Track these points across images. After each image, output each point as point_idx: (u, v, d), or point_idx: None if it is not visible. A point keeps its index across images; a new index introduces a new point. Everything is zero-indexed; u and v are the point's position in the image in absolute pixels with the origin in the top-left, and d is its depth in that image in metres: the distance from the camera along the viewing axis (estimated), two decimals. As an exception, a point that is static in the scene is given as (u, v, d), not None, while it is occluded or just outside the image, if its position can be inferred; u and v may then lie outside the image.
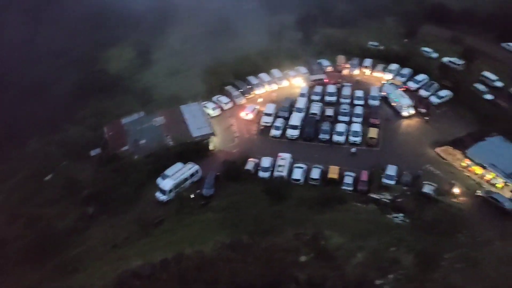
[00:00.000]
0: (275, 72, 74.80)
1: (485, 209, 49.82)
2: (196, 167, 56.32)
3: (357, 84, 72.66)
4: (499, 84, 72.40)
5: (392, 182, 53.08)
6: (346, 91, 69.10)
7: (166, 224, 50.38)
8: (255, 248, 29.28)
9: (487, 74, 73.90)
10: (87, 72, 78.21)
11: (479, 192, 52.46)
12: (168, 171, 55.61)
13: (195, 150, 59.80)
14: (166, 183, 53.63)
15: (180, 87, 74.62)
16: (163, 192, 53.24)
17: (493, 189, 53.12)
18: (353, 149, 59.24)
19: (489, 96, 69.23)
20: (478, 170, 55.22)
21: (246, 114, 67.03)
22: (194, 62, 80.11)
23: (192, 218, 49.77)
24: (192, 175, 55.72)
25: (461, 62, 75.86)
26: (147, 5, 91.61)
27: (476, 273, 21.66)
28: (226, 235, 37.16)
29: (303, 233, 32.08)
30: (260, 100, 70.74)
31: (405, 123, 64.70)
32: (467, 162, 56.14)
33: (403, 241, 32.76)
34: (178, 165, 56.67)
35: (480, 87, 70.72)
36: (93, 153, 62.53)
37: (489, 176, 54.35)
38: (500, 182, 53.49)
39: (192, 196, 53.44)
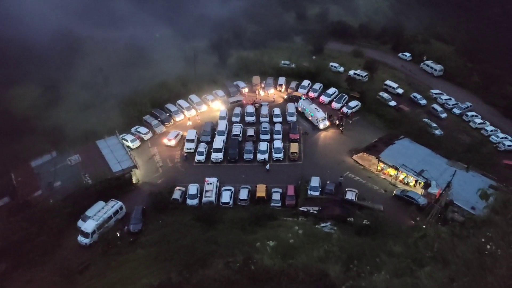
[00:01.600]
0: (194, 97, 74.61)
1: (402, 207, 53.64)
2: (119, 203, 53.64)
3: (274, 102, 75.23)
4: (400, 90, 79.63)
5: (317, 193, 55.16)
6: (264, 110, 71.02)
7: (93, 269, 46.96)
8: (185, 285, 28.24)
9: (389, 82, 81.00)
10: (-14, 115, 71.21)
11: (395, 192, 56.47)
12: (89, 212, 52.36)
13: (117, 185, 57.18)
14: (87, 225, 50.27)
15: (95, 121, 70.85)
16: (86, 235, 49.75)
17: (407, 188, 57.56)
18: (267, 166, 60.76)
19: (392, 103, 75.65)
20: (392, 171, 59.58)
21: (169, 140, 65.75)
22: (108, 94, 76.82)
23: (121, 258, 46.98)
24: (116, 212, 52.90)
25: (365, 73, 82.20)
26: (49, 38, 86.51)
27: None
28: (157, 273, 35.47)
29: (233, 261, 31.74)
30: (189, 123, 70.18)
31: (322, 135, 68.00)
32: (381, 165, 60.32)
33: (330, 252, 34.12)
34: (100, 204, 53.62)
35: (384, 95, 77.13)
36: None
37: (402, 176, 58.86)
38: (412, 181, 58.14)
39: (118, 234, 50.59)
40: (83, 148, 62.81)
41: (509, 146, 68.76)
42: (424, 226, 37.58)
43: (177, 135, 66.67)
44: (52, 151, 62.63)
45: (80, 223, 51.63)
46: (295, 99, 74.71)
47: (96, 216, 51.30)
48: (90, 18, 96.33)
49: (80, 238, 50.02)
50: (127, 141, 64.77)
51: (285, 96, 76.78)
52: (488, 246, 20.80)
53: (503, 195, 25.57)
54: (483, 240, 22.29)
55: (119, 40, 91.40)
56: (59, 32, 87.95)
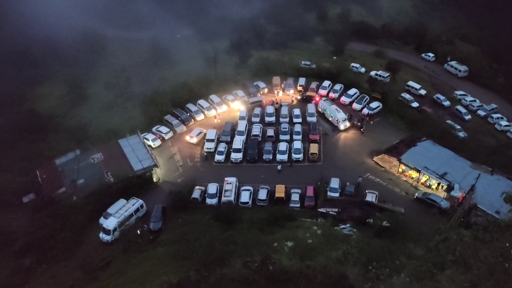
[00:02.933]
0: (214, 97, 75.11)
1: (424, 210, 52.65)
2: (140, 201, 54.41)
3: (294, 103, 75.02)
4: (422, 92, 78.23)
5: (337, 194, 54.68)
6: (284, 110, 70.86)
7: (114, 265, 47.83)
8: (203, 284, 28.39)
9: (411, 83, 79.66)
10: (13, 113, 73.30)
11: (416, 195, 55.48)
12: (111, 209, 53.23)
13: (138, 184, 57.96)
14: (109, 222, 51.14)
15: (117, 120, 72.35)
16: (107, 232, 50.63)
17: (429, 191, 56.47)
18: (279, 166, 60.53)
19: (415, 104, 74.34)
20: (414, 174, 58.55)
21: (191, 138, 66.46)
22: (130, 94, 78.31)
23: (141, 256, 47.68)
24: (136, 210, 53.69)
25: (386, 74, 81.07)
26: (74, 38, 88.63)
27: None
28: (176, 271, 35.82)
29: (251, 261, 31.73)
30: (216, 120, 70.75)
31: (342, 136, 67.36)
32: (402, 167, 59.36)
33: (349, 254, 33.71)
34: (121, 201, 54.48)
35: (407, 96, 75.88)
36: (25, 199, 58.07)
37: (423, 179, 57.79)
38: (434, 183, 57.02)
39: (139, 232, 51.35)
40: (105, 146, 63.96)
41: (536, 149, 66.68)
42: (446, 229, 36.76)
43: (200, 133, 67.28)
44: (75, 150, 64.07)
45: (102, 220, 52.57)
46: (309, 99, 74.23)
47: (118, 214, 52.13)
48: (113, 19, 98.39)
49: (101, 235, 50.95)
50: (148, 140, 65.65)
51: (298, 97, 76.22)
52: None
53: None
54: (507, 244, 21.72)
55: (141, 40, 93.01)
56: (83, 32, 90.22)
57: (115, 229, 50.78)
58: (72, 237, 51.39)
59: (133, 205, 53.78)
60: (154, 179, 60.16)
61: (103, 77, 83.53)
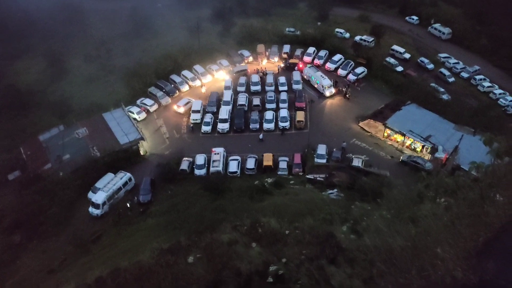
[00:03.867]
0: (198, 67, 73.96)
1: (409, 172, 53.72)
2: (128, 175, 54.35)
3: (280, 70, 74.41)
4: (407, 55, 78.21)
5: (324, 161, 55.36)
6: (270, 79, 70.36)
7: (105, 238, 48.19)
8: (194, 248, 29.06)
9: (396, 47, 79.43)
10: (-8, 90, 71.43)
11: (401, 158, 56.48)
12: (99, 184, 53.12)
13: (125, 157, 57.73)
14: (98, 196, 51.15)
15: (100, 94, 70.90)
16: (96, 206, 50.73)
17: (414, 154, 57.51)
18: (261, 135, 60.70)
19: (399, 68, 74.47)
20: (399, 137, 59.39)
21: (178, 107, 66.24)
22: (112, 67, 76.44)
23: (132, 228, 48.04)
24: (125, 184, 53.68)
25: (371, 39, 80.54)
26: (51, 10, 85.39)
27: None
28: (167, 239, 36.46)
29: (240, 225, 32.46)
30: (204, 90, 70.38)
31: (328, 102, 67.49)
32: (388, 132, 60.10)
33: (335, 214, 34.66)
34: (109, 175, 54.35)
35: (391, 60, 75.83)
36: (11, 177, 57.48)
37: (408, 142, 58.71)
38: (419, 146, 58.01)
39: (128, 205, 51.57)
40: (89, 121, 63.07)
41: (518, 109, 67.93)
42: (427, 176, 38.44)
43: (188, 102, 66.78)
44: (59, 125, 63.10)
45: (90, 194, 52.51)
46: (292, 67, 73.65)
47: (106, 188, 52.07)
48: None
49: (91, 209, 51.07)
50: (133, 113, 64.88)
51: (281, 65, 75.48)
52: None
53: (507, 140, 26.09)
54: (486, 186, 22.80)
55: (121, 10, 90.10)
56: (60, 3, 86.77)
57: (104, 203, 50.88)
58: (61, 213, 51.36)
59: (121, 178, 53.71)
60: (141, 152, 59.91)
61: (83, 49, 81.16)
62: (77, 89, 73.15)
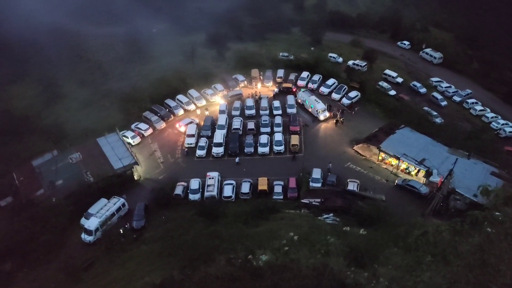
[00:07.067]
0: (193, 92, 74.36)
1: (405, 196, 53.65)
2: (122, 200, 53.71)
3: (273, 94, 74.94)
4: (399, 80, 79.36)
5: (319, 185, 55.11)
6: (264, 103, 70.80)
7: (97, 266, 47.19)
8: (187, 283, 28.26)
9: (388, 71, 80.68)
10: (-15, 115, 71.08)
11: (396, 182, 56.43)
12: (92, 209, 52.40)
13: (118, 182, 57.03)
14: (90, 222, 50.35)
15: (95, 119, 70.77)
16: (89, 232, 49.86)
17: (408, 177, 57.52)
18: (237, 159, 60.79)
19: (392, 92, 75.38)
20: (394, 161, 59.49)
21: (180, 126, 67.00)
22: (107, 91, 76.67)
23: (125, 255, 47.12)
24: (118, 209, 52.96)
25: (364, 63, 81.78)
26: (47, 35, 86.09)
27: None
28: (161, 269, 35.57)
29: (234, 258, 31.76)
30: (198, 112, 71.49)
31: (323, 126, 67.79)
32: (382, 155, 60.23)
33: (332, 245, 34.10)
34: (102, 201, 53.65)
35: (384, 84, 76.82)
36: (3, 203, 56.62)
37: (403, 165, 58.79)
38: (413, 170, 58.08)
39: (121, 231, 50.75)
40: (83, 146, 62.68)
41: (510, 132, 68.61)
42: (424, 223, 37.17)
43: (190, 122, 67.15)
44: (53, 150, 62.68)
45: (83, 220, 51.72)
46: (285, 91, 74.32)
47: (99, 214, 51.34)
48: (86, 15, 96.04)
49: (83, 236, 50.16)
50: (127, 137, 64.67)
51: (275, 90, 76.14)
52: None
53: (505, 191, 25.12)
54: (486, 236, 21.74)
55: (116, 35, 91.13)
56: (56, 29, 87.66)
57: (97, 229, 50.04)
58: (53, 239, 50.36)
59: (114, 204, 53.04)
60: (135, 177, 59.42)
61: (78, 74, 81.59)
62: (71, 114, 73.07)
